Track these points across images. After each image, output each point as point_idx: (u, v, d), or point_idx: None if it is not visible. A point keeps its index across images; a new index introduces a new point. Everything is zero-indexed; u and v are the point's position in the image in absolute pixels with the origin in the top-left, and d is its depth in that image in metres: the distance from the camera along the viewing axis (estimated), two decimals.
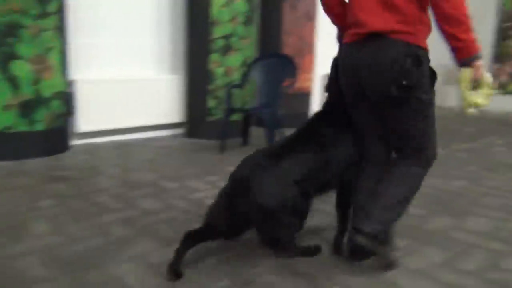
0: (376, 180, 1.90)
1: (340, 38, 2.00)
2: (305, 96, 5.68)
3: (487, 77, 1.70)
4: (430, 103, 1.78)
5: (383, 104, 1.79)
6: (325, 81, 2.15)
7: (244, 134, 4.50)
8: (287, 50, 5.30)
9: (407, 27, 1.67)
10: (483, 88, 1.69)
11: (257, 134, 4.57)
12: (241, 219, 1.80)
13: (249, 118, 4.48)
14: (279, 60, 4.37)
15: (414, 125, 1.79)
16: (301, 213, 1.84)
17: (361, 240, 1.76)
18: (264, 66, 4.38)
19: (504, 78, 7.23)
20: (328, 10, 1.98)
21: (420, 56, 1.68)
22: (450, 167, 3.72)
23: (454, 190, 3.08)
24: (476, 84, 1.69)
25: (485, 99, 1.70)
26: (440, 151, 1.92)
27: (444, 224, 2.44)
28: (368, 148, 1.97)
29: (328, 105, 2.05)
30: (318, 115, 2.04)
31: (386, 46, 1.69)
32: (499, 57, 7.25)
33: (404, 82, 1.66)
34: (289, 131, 2.13)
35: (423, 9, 1.68)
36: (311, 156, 1.87)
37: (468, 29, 1.62)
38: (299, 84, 5.56)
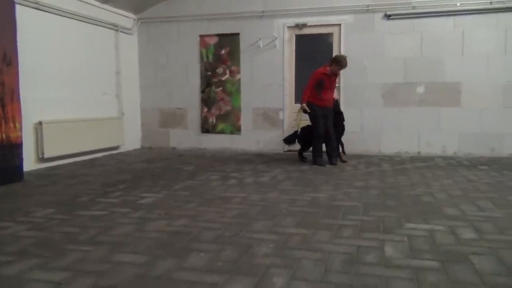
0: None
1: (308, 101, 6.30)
2: (13, 147, 5.00)
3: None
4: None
5: (330, 114, 6.32)
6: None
7: None
8: None
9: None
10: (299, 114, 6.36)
11: None
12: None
13: None
14: None
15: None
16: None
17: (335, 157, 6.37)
18: None
19: (212, 120, 8.15)
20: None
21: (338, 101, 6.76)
22: (172, 207, 3.86)
23: (176, 230, 3.18)
24: (299, 113, 6.36)
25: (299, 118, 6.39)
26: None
27: (168, 268, 2.45)
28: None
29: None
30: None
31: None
32: (206, 101, 8.16)
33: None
34: None
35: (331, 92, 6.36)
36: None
37: (303, 97, 6.25)
38: (5, 135, 4.89)
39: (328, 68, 6.10)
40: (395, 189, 4.61)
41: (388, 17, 7.16)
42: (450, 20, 6.98)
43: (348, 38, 7.38)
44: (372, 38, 7.28)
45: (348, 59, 6.12)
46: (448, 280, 2.26)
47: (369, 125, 7.43)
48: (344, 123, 6.61)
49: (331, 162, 6.27)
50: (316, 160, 6.28)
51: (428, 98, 7.16)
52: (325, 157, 6.38)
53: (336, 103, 6.50)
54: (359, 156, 7.14)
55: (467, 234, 3.03)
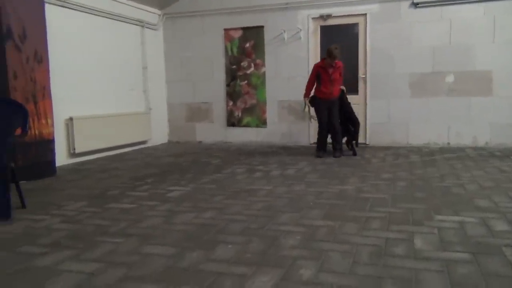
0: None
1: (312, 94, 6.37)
2: (46, 143, 5.15)
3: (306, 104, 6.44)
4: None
5: (334, 107, 6.22)
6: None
7: None
8: (16, 94, 4.73)
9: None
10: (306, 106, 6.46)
11: None
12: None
13: None
14: (5, 106, 3.83)
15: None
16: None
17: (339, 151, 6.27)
18: None
19: (238, 113, 8.17)
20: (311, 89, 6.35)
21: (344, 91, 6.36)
22: (199, 200, 3.90)
23: (204, 222, 3.21)
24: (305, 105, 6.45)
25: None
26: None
27: (196, 259, 2.49)
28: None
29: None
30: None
31: None
32: (231, 95, 8.19)
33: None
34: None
35: (338, 83, 6.23)
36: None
37: (306, 92, 6.38)
38: (38, 131, 5.04)
39: (325, 61, 6.14)
40: (424, 180, 4.53)
41: (415, 5, 7.00)
42: (480, 7, 6.75)
43: (374, 28, 7.25)
44: (399, 27, 7.13)
45: (338, 50, 5.99)
46: (480, 272, 2.21)
47: (397, 115, 7.30)
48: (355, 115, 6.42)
49: (334, 155, 6.24)
50: (316, 152, 6.42)
51: (457, 87, 6.97)
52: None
53: (342, 93, 6.32)
54: (386, 148, 7.03)
55: (500, 226, 2.96)
